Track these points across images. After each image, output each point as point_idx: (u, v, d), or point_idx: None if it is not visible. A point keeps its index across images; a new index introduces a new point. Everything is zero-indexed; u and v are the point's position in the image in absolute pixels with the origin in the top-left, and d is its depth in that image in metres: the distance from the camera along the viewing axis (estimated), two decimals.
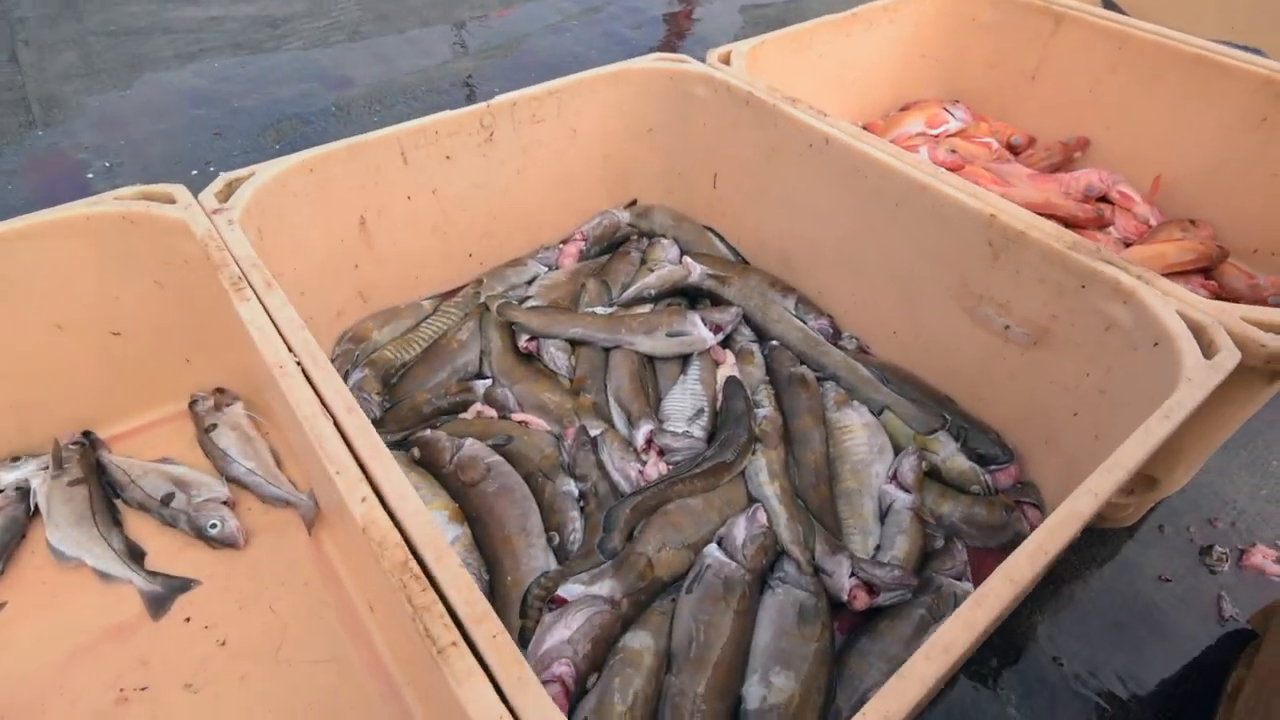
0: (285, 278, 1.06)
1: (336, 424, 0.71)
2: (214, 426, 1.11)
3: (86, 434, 1.11)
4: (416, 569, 0.60)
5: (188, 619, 0.94)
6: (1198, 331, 0.86)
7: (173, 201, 0.99)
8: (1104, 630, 1.07)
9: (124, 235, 0.98)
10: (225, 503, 1.03)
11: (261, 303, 0.84)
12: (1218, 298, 1.45)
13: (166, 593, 0.96)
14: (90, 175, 1.95)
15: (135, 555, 0.99)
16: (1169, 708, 1.00)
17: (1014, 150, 1.76)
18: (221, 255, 0.90)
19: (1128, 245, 1.52)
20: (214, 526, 0.99)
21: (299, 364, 0.77)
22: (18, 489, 1.03)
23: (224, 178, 1.02)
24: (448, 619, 0.57)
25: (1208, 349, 0.84)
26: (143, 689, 0.87)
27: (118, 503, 1.05)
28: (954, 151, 1.66)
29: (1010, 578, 0.61)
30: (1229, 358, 0.82)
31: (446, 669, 0.53)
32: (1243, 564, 1.15)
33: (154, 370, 1.13)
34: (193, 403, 1.15)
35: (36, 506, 1.02)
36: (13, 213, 0.95)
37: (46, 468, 1.05)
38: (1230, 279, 1.44)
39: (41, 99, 2.23)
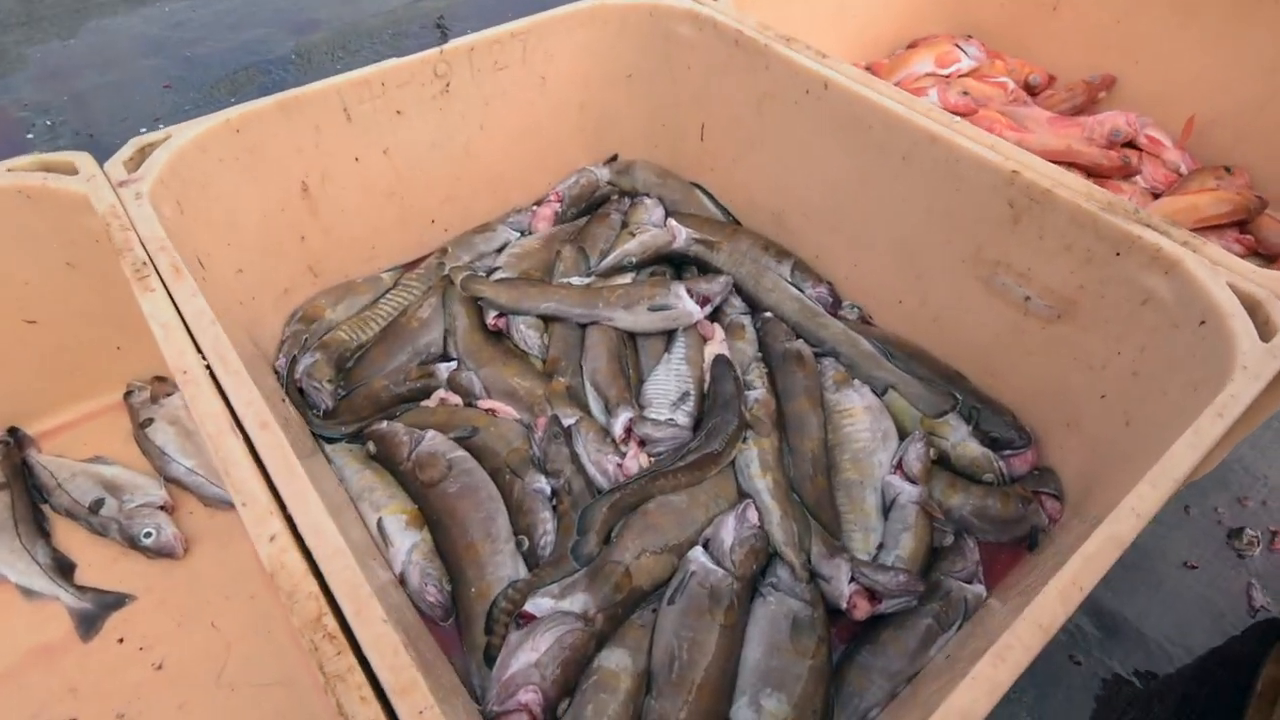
0: (216, 255, 0.94)
1: (248, 441, 0.61)
2: (150, 421, 1.01)
3: (12, 431, 1.01)
4: (332, 626, 0.50)
5: (121, 639, 0.85)
6: (1252, 308, 0.74)
7: (75, 172, 0.87)
8: (1123, 622, 0.99)
9: (20, 212, 0.85)
10: (163, 507, 0.94)
11: (169, 293, 0.73)
12: (1254, 253, 1.34)
13: (97, 610, 0.87)
14: (30, 135, 1.81)
15: (63, 569, 0.90)
16: (1193, 706, 0.93)
17: (1032, 90, 1.61)
18: (125, 236, 0.77)
19: (1156, 196, 1.39)
20: (148, 535, 0.90)
21: (207, 368, 0.66)
22: None
23: (134, 142, 0.89)
24: (366, 690, 0.47)
25: (1264, 328, 0.73)
26: None
27: (45, 508, 0.95)
28: (966, 93, 1.51)
29: (1039, 623, 0.52)
30: None
31: None
32: (1275, 548, 1.07)
33: (81, 359, 1.02)
34: (128, 394, 1.05)
35: None
36: None
37: None
38: (1268, 232, 1.32)
39: None
